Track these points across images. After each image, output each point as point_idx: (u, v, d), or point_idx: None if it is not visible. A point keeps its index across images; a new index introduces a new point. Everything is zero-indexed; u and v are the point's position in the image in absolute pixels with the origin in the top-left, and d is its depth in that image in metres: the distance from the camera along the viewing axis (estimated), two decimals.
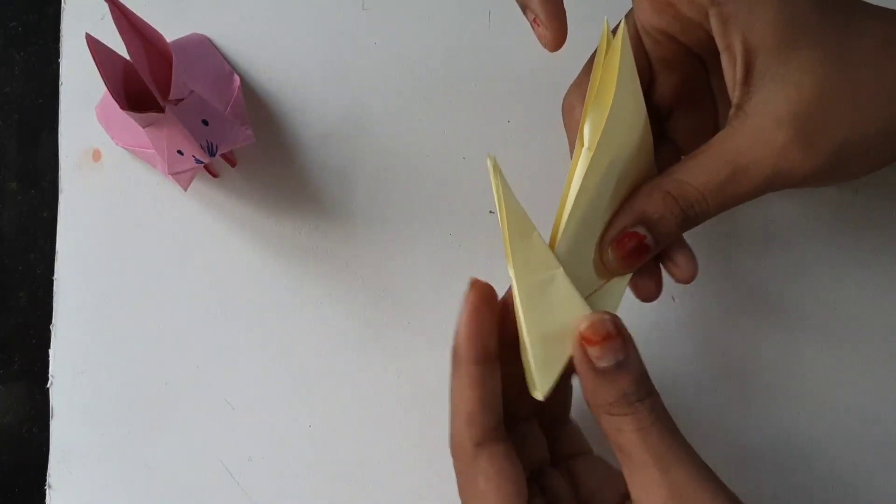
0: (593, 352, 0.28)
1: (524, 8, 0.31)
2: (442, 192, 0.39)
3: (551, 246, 0.29)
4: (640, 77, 0.30)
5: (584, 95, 0.32)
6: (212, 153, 0.35)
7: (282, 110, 0.40)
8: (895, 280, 0.38)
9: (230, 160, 0.40)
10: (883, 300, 0.38)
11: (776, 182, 0.28)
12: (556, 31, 0.30)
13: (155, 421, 0.40)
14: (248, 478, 0.39)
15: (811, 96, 0.28)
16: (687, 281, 0.31)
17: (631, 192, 0.30)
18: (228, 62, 0.40)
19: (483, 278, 0.38)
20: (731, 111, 0.29)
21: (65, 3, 0.42)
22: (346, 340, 0.39)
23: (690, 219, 0.29)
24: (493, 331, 0.29)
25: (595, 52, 0.32)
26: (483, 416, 0.29)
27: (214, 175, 0.40)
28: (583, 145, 0.29)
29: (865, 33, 0.28)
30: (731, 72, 0.29)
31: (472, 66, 0.40)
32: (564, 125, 0.34)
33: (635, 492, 0.27)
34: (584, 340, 0.28)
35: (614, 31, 0.31)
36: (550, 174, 0.39)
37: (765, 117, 0.28)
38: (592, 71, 0.30)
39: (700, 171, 0.29)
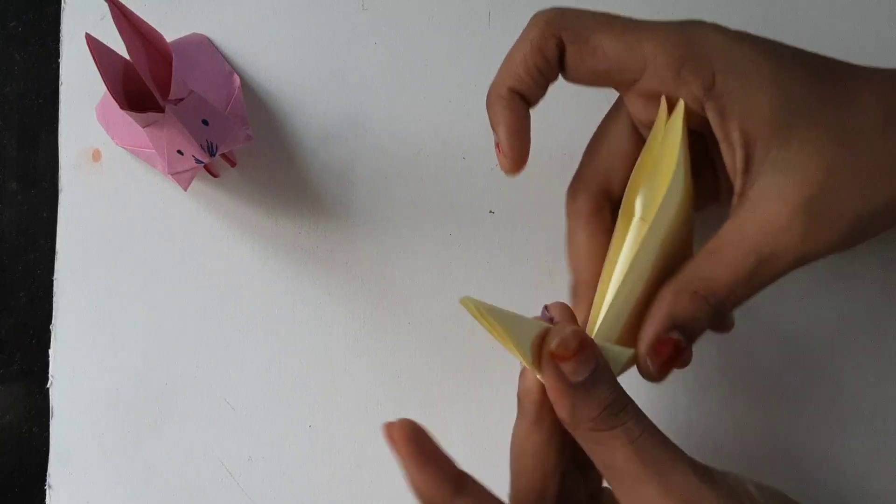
0: (567, 367, 0.27)
1: (493, 126, 0.31)
2: (441, 193, 0.39)
3: (595, 314, 0.29)
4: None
5: (587, 185, 0.32)
6: (212, 153, 0.35)
7: (282, 110, 0.40)
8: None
9: (230, 160, 0.40)
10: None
11: (799, 263, 0.28)
12: (514, 161, 0.31)
13: (155, 421, 0.40)
14: (247, 478, 0.39)
15: (818, 178, 0.28)
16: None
17: (655, 292, 0.30)
18: (228, 62, 0.40)
19: (483, 278, 0.39)
20: (735, 199, 0.29)
21: (65, 2, 0.42)
22: (346, 340, 0.39)
23: (721, 313, 0.29)
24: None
25: (604, 119, 0.33)
26: (554, 483, 0.28)
27: (214, 175, 0.40)
28: (632, 216, 0.29)
29: (864, 108, 0.28)
30: (731, 160, 0.29)
31: (473, 66, 0.40)
32: (567, 213, 0.34)
33: None
34: (556, 358, 0.27)
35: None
36: (551, 174, 0.39)
37: (775, 203, 0.28)
38: (647, 144, 0.30)
39: (723, 266, 0.28)
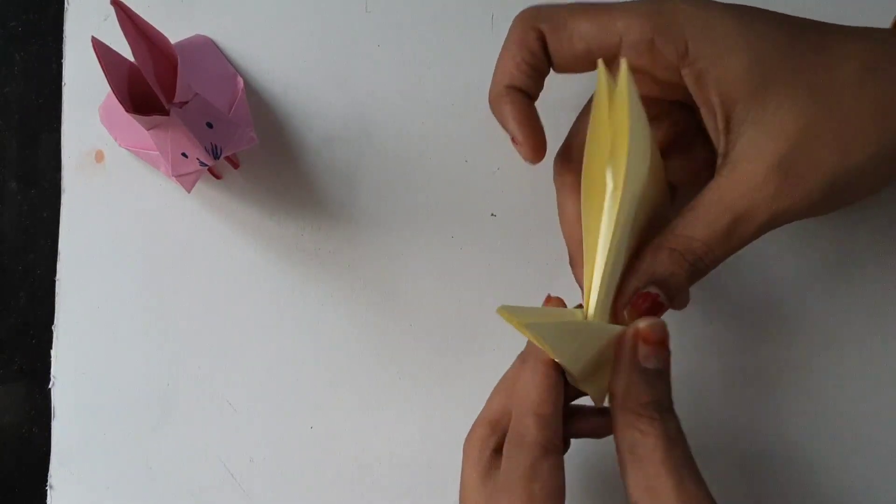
0: (643, 350, 0.29)
1: (503, 125, 0.32)
2: (444, 195, 0.40)
3: (587, 294, 0.30)
4: None
5: (574, 157, 0.33)
6: (216, 156, 0.35)
7: (285, 112, 0.40)
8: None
9: (233, 162, 0.40)
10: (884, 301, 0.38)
11: (776, 222, 0.29)
12: (533, 148, 0.32)
13: (156, 422, 0.40)
14: (249, 479, 0.39)
15: (794, 136, 0.28)
16: (679, 308, 0.32)
17: (638, 249, 0.31)
18: (232, 64, 0.40)
19: (484, 280, 0.39)
20: (718, 160, 0.30)
21: (68, 3, 0.42)
22: (348, 342, 0.39)
23: (700, 270, 0.30)
24: None
25: (591, 98, 0.32)
26: (556, 422, 0.30)
27: (217, 176, 0.40)
28: (604, 189, 0.29)
29: (842, 62, 0.28)
30: (713, 123, 0.30)
31: (475, 69, 0.40)
32: (556, 186, 0.35)
33: (638, 493, 0.28)
34: (639, 337, 0.29)
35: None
36: (552, 173, 0.39)
37: (752, 162, 0.29)
38: (594, 112, 0.30)
39: (700, 224, 0.29)
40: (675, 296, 0.30)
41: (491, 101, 0.33)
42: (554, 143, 0.33)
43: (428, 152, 0.40)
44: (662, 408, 0.28)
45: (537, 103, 0.33)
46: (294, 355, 0.40)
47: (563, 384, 0.31)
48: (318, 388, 0.39)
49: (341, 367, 0.39)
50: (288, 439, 0.39)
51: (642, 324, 0.29)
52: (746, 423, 0.38)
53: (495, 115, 0.32)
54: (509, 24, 0.37)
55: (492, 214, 0.39)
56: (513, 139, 0.32)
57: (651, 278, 0.30)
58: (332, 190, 0.40)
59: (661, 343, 0.29)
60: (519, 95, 0.32)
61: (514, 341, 0.38)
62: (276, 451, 0.39)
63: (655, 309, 0.29)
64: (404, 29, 0.40)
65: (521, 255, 0.39)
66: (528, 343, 0.32)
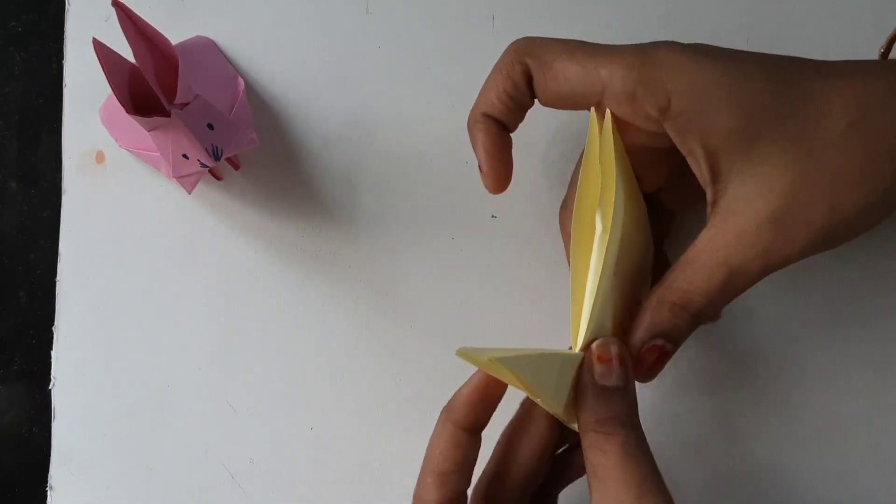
0: (598, 368, 0.29)
1: (474, 150, 0.33)
2: (445, 197, 0.40)
3: (576, 324, 0.30)
4: None
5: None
6: (217, 157, 0.35)
7: (286, 113, 0.40)
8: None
9: (234, 163, 0.40)
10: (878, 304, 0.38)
11: (770, 271, 0.30)
12: (495, 180, 0.33)
13: (157, 423, 0.40)
14: (249, 480, 0.39)
15: (783, 192, 0.29)
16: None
17: (629, 290, 0.31)
18: (233, 65, 0.40)
19: (484, 282, 0.39)
20: (708, 209, 0.30)
21: (69, 4, 0.42)
22: (348, 343, 0.39)
23: (701, 320, 0.31)
24: (491, 411, 0.32)
25: (580, 155, 0.33)
26: (456, 480, 0.31)
27: (218, 178, 0.40)
28: (593, 232, 0.30)
29: (829, 114, 0.29)
30: (699, 172, 0.30)
31: (476, 70, 0.40)
32: (563, 239, 0.36)
33: None
34: (595, 357, 0.29)
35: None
36: (552, 179, 0.39)
37: (743, 217, 0.29)
38: (586, 157, 0.31)
39: (697, 277, 0.30)
40: (679, 343, 0.31)
41: (468, 123, 0.33)
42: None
43: (428, 154, 0.40)
44: (622, 423, 0.28)
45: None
46: (294, 356, 0.40)
47: (472, 442, 0.31)
48: (318, 389, 0.39)
49: (341, 368, 0.39)
50: (288, 440, 0.39)
51: (594, 344, 0.29)
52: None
53: (469, 136, 0.33)
54: (510, 25, 0.37)
55: (492, 216, 0.39)
56: (479, 166, 0.33)
57: (655, 332, 0.30)
58: (333, 191, 0.40)
59: (616, 359, 0.29)
60: (493, 126, 0.32)
61: (514, 342, 0.39)
62: (276, 451, 0.39)
63: (663, 359, 0.30)
64: (405, 30, 0.40)
65: (522, 256, 0.39)
66: (449, 403, 0.32)
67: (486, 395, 0.31)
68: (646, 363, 0.30)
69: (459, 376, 0.38)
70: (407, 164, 0.40)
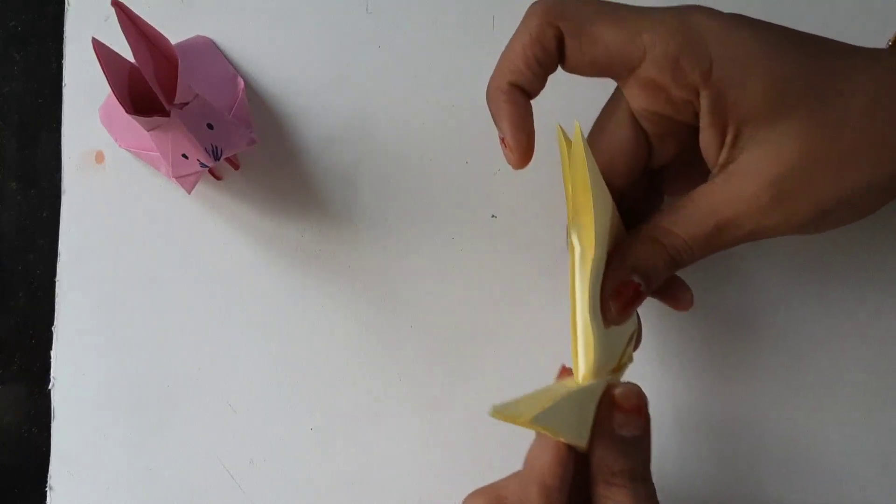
0: (619, 418, 0.29)
1: (496, 121, 0.31)
2: (445, 196, 0.40)
3: (574, 350, 0.30)
4: (638, 151, 0.32)
5: None
6: (216, 157, 0.35)
7: (285, 113, 0.40)
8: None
9: (233, 163, 0.40)
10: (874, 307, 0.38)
11: (759, 235, 0.30)
12: (519, 156, 0.31)
13: (156, 423, 0.40)
14: (249, 480, 0.39)
15: (792, 159, 0.29)
16: (685, 309, 0.33)
17: (617, 244, 0.31)
18: (232, 65, 0.40)
19: (484, 282, 0.39)
20: (716, 169, 0.30)
21: (68, 4, 0.42)
22: (348, 343, 0.39)
23: (677, 262, 0.30)
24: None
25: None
26: (560, 496, 0.29)
27: (217, 177, 0.40)
28: (573, 251, 0.30)
29: (853, 93, 0.29)
30: (718, 139, 0.30)
31: (476, 70, 0.40)
32: (490, 108, 0.34)
33: None
34: (614, 405, 0.29)
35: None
36: (553, 178, 0.39)
37: (748, 177, 0.29)
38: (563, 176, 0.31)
39: (685, 222, 0.30)
40: (652, 285, 0.30)
41: (489, 92, 0.31)
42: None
43: (428, 154, 0.40)
44: (635, 476, 0.28)
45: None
46: (294, 356, 0.40)
47: (574, 462, 0.30)
48: (318, 389, 0.39)
49: (341, 368, 0.39)
50: (288, 440, 0.39)
51: (617, 391, 0.29)
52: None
53: (490, 107, 0.31)
54: (510, 24, 0.37)
55: (492, 216, 0.39)
56: (502, 140, 0.31)
57: (633, 266, 0.30)
58: (333, 191, 0.40)
59: (636, 410, 0.29)
60: (519, 96, 0.31)
61: (514, 343, 0.39)
62: (276, 452, 0.39)
63: (636, 298, 0.30)
64: (405, 30, 0.40)
65: (522, 256, 0.39)
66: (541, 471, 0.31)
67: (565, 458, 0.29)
68: (620, 301, 0.30)
69: (459, 376, 0.39)
70: (407, 163, 0.40)
